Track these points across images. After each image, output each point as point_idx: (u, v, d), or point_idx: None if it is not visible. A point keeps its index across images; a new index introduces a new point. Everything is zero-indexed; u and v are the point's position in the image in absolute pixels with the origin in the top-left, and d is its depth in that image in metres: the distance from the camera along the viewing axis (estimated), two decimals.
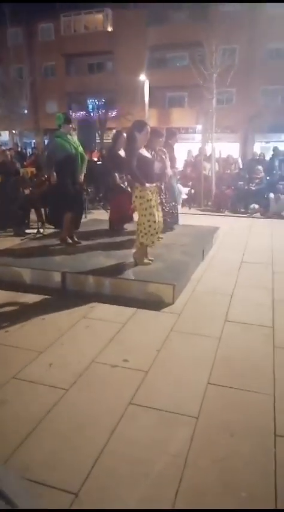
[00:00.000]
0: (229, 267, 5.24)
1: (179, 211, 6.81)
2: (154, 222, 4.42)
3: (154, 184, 4.47)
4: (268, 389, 2.56)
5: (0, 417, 2.28)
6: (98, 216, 8.18)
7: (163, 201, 5.57)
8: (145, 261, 4.62)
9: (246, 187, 10.22)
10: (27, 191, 7.38)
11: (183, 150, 11.85)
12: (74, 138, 5.34)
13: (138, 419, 2.27)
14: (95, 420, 2.25)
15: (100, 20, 25.22)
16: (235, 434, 2.15)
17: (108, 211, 6.97)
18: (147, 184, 4.30)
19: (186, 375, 2.73)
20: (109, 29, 25.15)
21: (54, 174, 5.14)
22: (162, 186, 5.49)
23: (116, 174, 6.02)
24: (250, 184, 10.24)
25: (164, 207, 5.56)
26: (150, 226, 4.41)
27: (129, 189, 5.59)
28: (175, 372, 2.76)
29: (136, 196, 4.42)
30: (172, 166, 5.79)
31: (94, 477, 1.86)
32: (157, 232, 4.56)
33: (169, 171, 5.30)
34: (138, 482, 1.83)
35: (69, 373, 2.72)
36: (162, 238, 5.61)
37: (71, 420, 2.25)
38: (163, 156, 5.00)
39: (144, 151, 4.42)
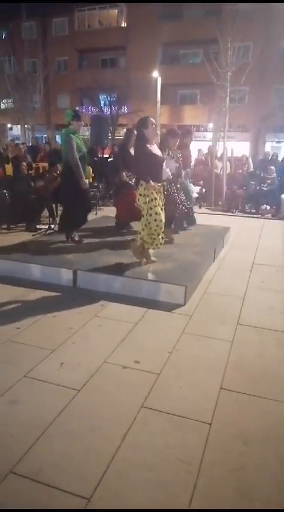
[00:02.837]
0: (240, 268, 5.19)
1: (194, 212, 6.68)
2: (161, 221, 4.32)
3: (159, 184, 4.37)
4: (281, 396, 2.52)
5: (11, 417, 2.26)
6: (108, 213, 8.14)
7: (179, 201, 5.50)
8: (150, 260, 4.53)
9: (258, 188, 10.12)
10: (39, 186, 7.37)
11: (193, 149, 11.76)
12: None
13: (151, 423, 2.24)
14: (107, 423, 2.23)
15: (115, 15, 25.07)
16: (249, 443, 2.11)
17: None
18: (152, 183, 4.20)
19: (198, 378, 2.70)
20: (123, 24, 24.99)
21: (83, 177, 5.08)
22: (178, 186, 5.41)
23: (124, 172, 5.99)
24: (262, 185, 10.14)
25: (179, 208, 5.49)
26: (157, 226, 4.30)
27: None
28: (187, 376, 2.73)
29: (140, 194, 4.31)
30: (187, 165, 5.73)
31: (107, 482, 1.83)
32: (159, 234, 4.42)
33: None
34: (152, 489, 1.80)
35: (81, 373, 2.70)
36: (173, 239, 5.57)
37: (83, 422, 2.23)
38: (179, 156, 4.94)
39: (154, 149, 4.34)
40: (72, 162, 4.99)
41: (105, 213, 8.43)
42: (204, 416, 2.30)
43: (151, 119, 4.35)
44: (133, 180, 5.85)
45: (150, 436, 2.14)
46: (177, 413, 2.32)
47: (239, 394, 2.53)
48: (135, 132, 5.55)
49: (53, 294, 4.16)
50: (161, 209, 4.37)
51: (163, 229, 4.41)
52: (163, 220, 4.39)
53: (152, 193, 4.25)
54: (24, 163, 7.39)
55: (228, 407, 2.40)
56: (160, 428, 2.21)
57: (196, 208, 9.92)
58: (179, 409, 2.36)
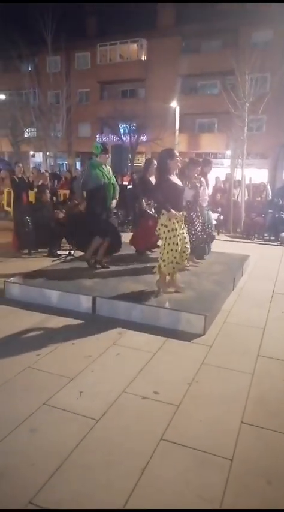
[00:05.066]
0: (260, 298, 5.13)
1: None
2: (176, 251, 4.36)
3: (181, 213, 4.45)
4: None
5: (31, 446, 2.26)
6: (126, 240, 8.23)
7: (200, 228, 5.55)
8: (169, 289, 4.56)
9: (276, 215, 10.10)
10: (61, 213, 7.55)
11: (212, 176, 11.87)
12: (108, 167, 5.49)
13: (170, 457, 2.21)
14: (126, 456, 2.20)
15: (135, 49, 26.13)
16: (272, 482, 2.05)
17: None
18: (173, 212, 4.28)
19: (218, 412, 2.65)
20: (143, 58, 25.99)
21: (85, 202, 5.31)
22: (193, 215, 5.47)
23: (143, 200, 6.15)
24: (281, 212, 10.12)
25: (200, 234, 5.53)
26: (171, 255, 4.36)
27: (156, 215, 5.62)
28: (207, 408, 2.69)
29: (161, 225, 4.40)
30: (205, 194, 5.81)
31: None
32: (177, 263, 4.46)
33: (203, 200, 5.32)
34: None
35: (100, 403, 2.69)
36: (188, 267, 5.57)
37: (101, 454, 2.21)
38: (198, 185, 5.02)
39: (174, 179, 4.45)
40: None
41: (124, 239, 8.50)
42: (225, 451, 2.26)
43: (176, 152, 4.49)
44: (153, 209, 5.98)
45: (169, 471, 2.10)
46: (197, 447, 2.28)
47: (261, 429, 2.47)
48: (155, 162, 5.71)
49: (72, 320, 4.19)
50: (180, 239, 4.42)
51: (177, 259, 4.44)
52: (182, 250, 4.43)
53: (173, 223, 4.32)
54: (47, 191, 7.61)
55: (250, 443, 2.34)
56: (180, 463, 2.17)
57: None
58: (199, 443, 2.32)
